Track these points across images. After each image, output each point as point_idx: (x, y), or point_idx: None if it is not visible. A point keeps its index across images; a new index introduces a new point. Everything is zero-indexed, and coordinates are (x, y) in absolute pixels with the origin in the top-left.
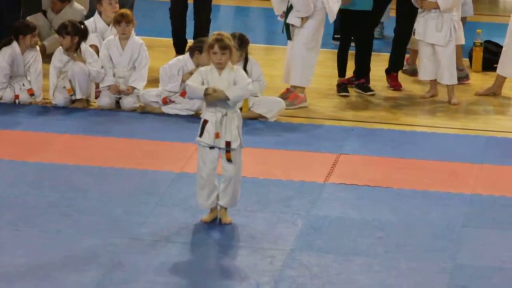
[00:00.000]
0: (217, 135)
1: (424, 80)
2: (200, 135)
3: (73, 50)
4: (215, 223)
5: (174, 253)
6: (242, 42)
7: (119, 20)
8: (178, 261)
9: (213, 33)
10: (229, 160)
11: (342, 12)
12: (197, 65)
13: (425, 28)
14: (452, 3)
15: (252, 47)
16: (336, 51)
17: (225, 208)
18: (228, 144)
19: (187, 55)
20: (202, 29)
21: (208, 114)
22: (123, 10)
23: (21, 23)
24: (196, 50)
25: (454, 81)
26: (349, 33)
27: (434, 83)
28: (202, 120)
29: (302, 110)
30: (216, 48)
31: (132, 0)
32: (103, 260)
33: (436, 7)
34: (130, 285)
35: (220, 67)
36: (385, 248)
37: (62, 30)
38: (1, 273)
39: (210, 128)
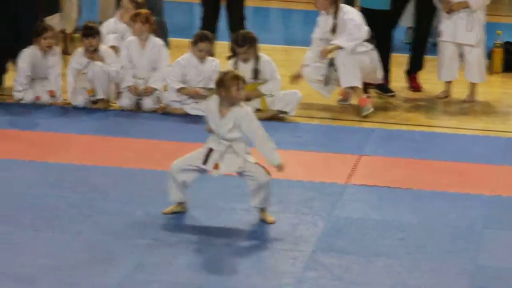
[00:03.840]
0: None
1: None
2: None
3: (94, 50)
4: (233, 225)
5: (195, 253)
6: (247, 40)
7: (134, 20)
8: (199, 262)
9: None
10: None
11: (361, 11)
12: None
13: (455, 29)
14: (483, 2)
15: (270, 47)
16: None
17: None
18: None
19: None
20: (237, 26)
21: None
22: (140, 10)
23: (38, 25)
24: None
25: (483, 78)
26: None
27: (449, 84)
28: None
29: (322, 111)
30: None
31: (160, 5)
32: (124, 261)
33: (465, 6)
34: (152, 285)
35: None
36: (406, 249)
37: (91, 31)
38: (21, 274)
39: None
